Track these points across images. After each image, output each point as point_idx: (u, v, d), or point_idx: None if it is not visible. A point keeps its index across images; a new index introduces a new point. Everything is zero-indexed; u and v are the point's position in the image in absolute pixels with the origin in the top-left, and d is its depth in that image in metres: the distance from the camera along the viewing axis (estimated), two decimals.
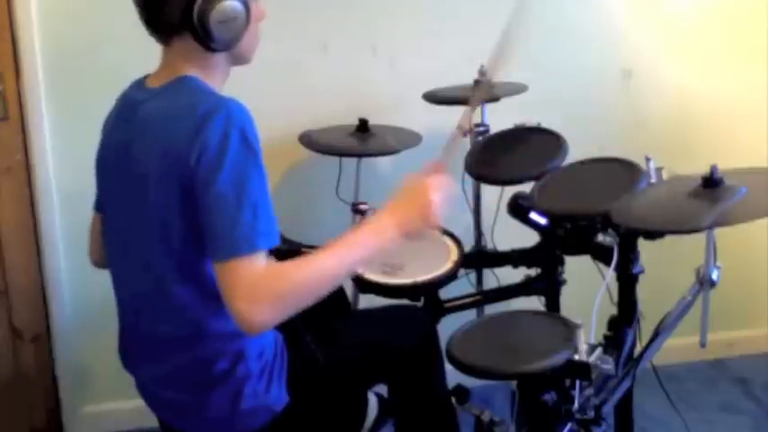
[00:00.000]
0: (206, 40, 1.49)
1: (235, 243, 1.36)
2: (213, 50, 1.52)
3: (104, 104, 1.68)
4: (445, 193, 1.54)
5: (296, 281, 1.39)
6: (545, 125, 2.31)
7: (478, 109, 2.46)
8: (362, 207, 2.33)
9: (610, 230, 1.96)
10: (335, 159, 2.43)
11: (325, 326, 1.71)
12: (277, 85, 2.46)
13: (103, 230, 1.67)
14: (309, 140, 2.38)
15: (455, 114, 2.45)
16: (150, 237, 1.49)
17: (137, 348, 1.63)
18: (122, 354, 1.68)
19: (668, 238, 1.92)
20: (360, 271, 1.90)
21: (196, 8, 1.46)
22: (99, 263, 1.75)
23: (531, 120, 2.35)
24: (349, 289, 2.03)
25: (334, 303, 1.87)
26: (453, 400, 2.06)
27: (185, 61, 1.53)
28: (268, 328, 1.39)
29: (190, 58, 1.53)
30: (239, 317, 1.34)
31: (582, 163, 2.16)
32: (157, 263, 1.49)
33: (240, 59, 1.60)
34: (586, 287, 1.91)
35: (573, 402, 1.80)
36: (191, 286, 1.48)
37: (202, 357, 1.51)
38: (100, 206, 1.71)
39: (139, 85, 1.61)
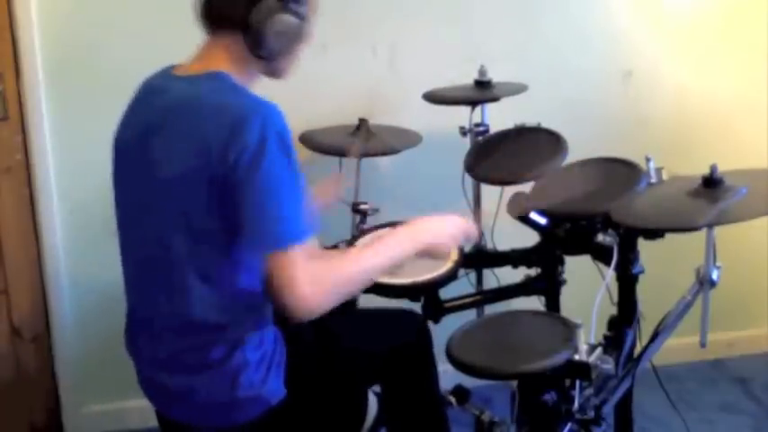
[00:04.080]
0: (257, 44, 1.51)
1: (281, 237, 1.42)
2: (258, 56, 1.54)
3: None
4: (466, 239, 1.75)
5: (348, 273, 1.52)
6: (545, 125, 2.31)
7: (478, 109, 2.46)
8: (362, 207, 2.33)
9: (610, 230, 1.96)
10: (335, 159, 2.43)
11: (326, 324, 1.72)
12: (277, 85, 2.45)
13: (116, 215, 1.67)
14: (309, 140, 2.37)
15: (455, 114, 2.46)
16: (166, 223, 1.50)
17: (139, 330, 1.64)
18: (127, 336, 1.69)
19: (668, 238, 1.92)
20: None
21: (258, 12, 1.49)
22: None
23: (531, 120, 2.35)
24: None
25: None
26: (453, 400, 2.06)
27: (224, 57, 1.54)
28: (320, 313, 1.46)
29: (230, 56, 1.54)
30: (298, 302, 1.42)
31: (582, 163, 2.16)
32: (171, 249, 1.50)
33: (274, 73, 1.63)
34: (586, 287, 1.91)
35: (573, 402, 1.80)
36: (199, 274, 1.49)
37: (201, 342, 1.52)
38: None
39: (165, 73, 1.61)
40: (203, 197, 1.44)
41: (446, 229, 1.69)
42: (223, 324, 1.51)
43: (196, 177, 1.43)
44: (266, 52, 1.53)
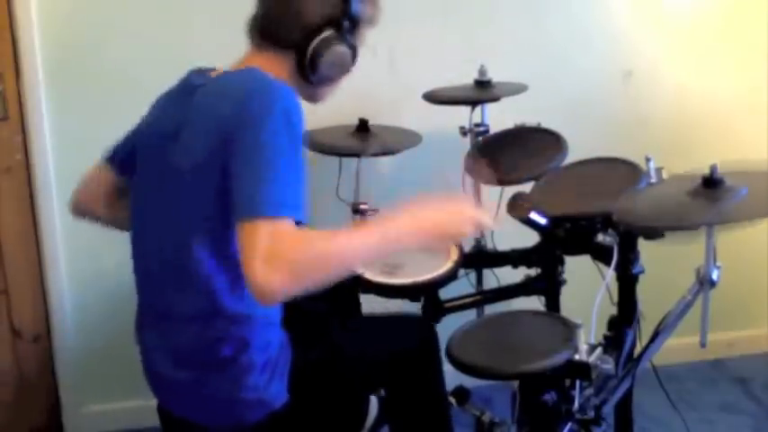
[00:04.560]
0: (310, 69, 1.55)
1: (256, 205, 1.34)
2: (308, 80, 1.57)
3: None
4: (478, 223, 1.55)
5: (315, 253, 1.35)
6: (545, 125, 2.31)
7: (478, 109, 2.46)
8: (362, 207, 2.33)
9: (610, 230, 1.96)
10: (335, 159, 2.43)
11: (331, 331, 1.72)
12: None
13: (132, 203, 1.67)
14: (309, 140, 2.37)
15: (455, 114, 2.46)
16: (183, 208, 1.49)
17: (151, 323, 1.63)
18: (137, 329, 1.68)
19: (668, 238, 1.92)
20: (359, 271, 1.90)
21: (318, 40, 1.53)
22: (80, 210, 1.76)
23: (531, 120, 2.35)
24: None
25: (344, 306, 1.88)
26: (453, 400, 2.06)
27: (267, 68, 1.54)
28: (281, 296, 1.34)
29: (273, 68, 1.54)
30: (253, 279, 1.29)
31: (582, 163, 2.16)
32: (187, 233, 1.49)
33: (312, 97, 1.65)
34: (586, 287, 1.91)
35: (573, 402, 1.80)
36: (213, 260, 1.48)
37: (209, 338, 1.51)
38: (118, 162, 1.70)
39: (201, 72, 1.61)
40: (218, 180, 1.42)
41: (455, 220, 1.52)
42: (233, 314, 1.50)
43: (214, 162, 1.42)
44: (317, 78, 1.57)
